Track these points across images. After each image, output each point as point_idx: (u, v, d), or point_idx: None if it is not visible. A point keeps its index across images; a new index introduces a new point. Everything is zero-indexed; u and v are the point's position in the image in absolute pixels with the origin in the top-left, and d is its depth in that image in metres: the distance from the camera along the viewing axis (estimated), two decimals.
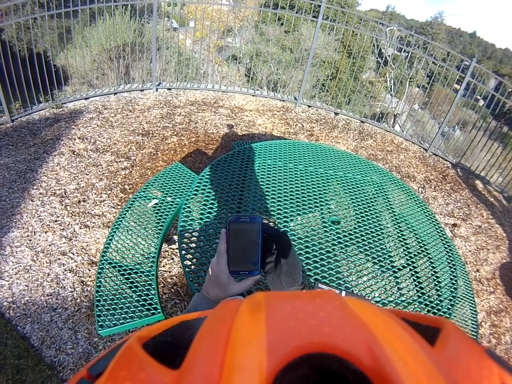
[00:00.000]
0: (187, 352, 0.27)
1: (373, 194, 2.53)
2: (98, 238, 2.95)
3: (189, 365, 0.26)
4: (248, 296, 0.34)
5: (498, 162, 5.85)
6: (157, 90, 5.40)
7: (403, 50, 6.43)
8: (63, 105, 4.69)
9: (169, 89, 5.53)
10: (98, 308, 1.90)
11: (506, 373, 0.27)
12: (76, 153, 3.80)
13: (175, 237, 3.03)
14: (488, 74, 5.77)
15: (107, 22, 6.69)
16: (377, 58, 11.09)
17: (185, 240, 1.71)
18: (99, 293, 1.97)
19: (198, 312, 0.38)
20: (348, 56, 10.04)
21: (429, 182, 5.22)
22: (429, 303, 1.86)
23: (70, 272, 2.71)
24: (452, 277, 2.12)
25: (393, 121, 11.83)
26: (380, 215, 2.36)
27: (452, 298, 1.96)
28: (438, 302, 1.89)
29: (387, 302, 1.77)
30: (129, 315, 1.87)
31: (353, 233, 2.08)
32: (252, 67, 6.53)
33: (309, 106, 6.13)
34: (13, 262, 2.74)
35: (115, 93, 5.11)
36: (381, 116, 7.93)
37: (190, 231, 1.77)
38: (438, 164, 5.79)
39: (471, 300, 2.72)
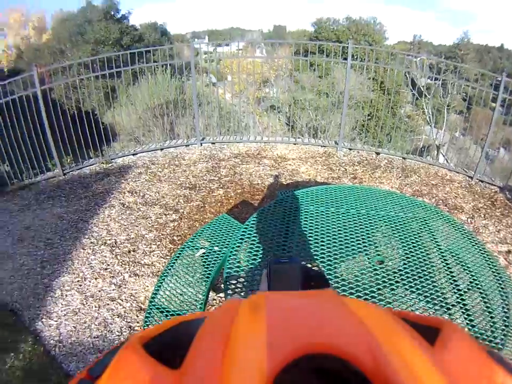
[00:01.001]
0: (187, 352, 0.28)
1: (418, 230, 2.48)
2: (147, 286, 3.04)
3: (189, 365, 0.26)
4: (249, 297, 0.34)
5: None
6: (201, 145, 5.57)
7: (435, 78, 6.40)
8: (112, 160, 4.97)
9: (213, 143, 5.69)
10: None
11: (507, 373, 0.27)
12: (125, 205, 3.99)
13: (223, 286, 3.08)
14: None
15: (149, 81, 7.10)
16: (411, 90, 11.05)
17: (231, 286, 1.76)
18: None
19: (199, 312, 0.39)
20: (383, 93, 10.13)
21: (477, 210, 5.02)
22: (479, 335, 1.80)
23: (118, 317, 2.79)
24: (504, 305, 2.02)
25: (436, 153, 11.59)
26: (426, 250, 2.30)
27: (504, 328, 1.88)
28: (490, 334, 1.82)
29: None
30: None
31: (398, 271, 2.05)
32: (290, 115, 6.66)
33: (350, 149, 6.09)
34: (62, 304, 2.87)
35: (161, 149, 5.34)
36: (423, 149, 7.85)
37: (236, 278, 1.81)
38: (485, 190, 5.56)
39: None
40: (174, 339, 0.33)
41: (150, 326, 2.10)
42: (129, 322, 2.77)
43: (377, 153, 6.07)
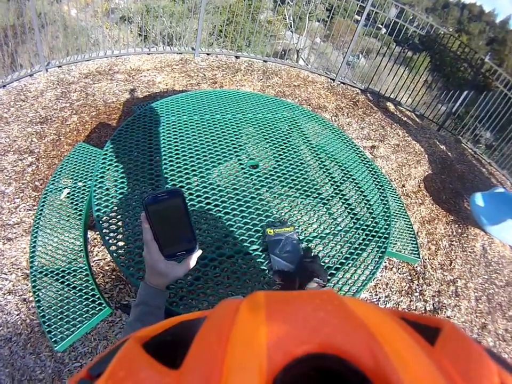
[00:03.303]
0: (187, 352, 0.27)
1: (287, 130, 2.54)
2: (25, 248, 2.77)
3: (189, 365, 0.26)
4: (248, 296, 0.34)
5: (406, 85, 6.24)
6: (47, 71, 4.99)
7: None
8: None
9: (60, 66, 5.13)
10: (46, 324, 1.79)
11: (506, 373, 0.27)
12: None
13: None
14: (388, 3, 5.92)
15: None
16: None
17: (105, 224, 1.62)
18: (40, 308, 1.86)
19: (199, 312, 0.38)
20: None
21: (340, 109, 5.40)
22: (365, 227, 1.93)
23: (9, 295, 2.53)
24: (382, 197, 2.20)
25: (296, 56, 12.01)
26: (298, 149, 2.37)
27: (386, 218, 2.04)
28: (374, 225, 1.96)
29: (324, 235, 1.81)
30: (77, 320, 1.79)
31: (274, 172, 2.09)
32: (143, 25, 6.20)
33: (208, 54, 5.99)
34: None
35: (4, 86, 4.65)
36: (283, 53, 7.95)
37: (107, 213, 1.67)
38: (347, 92, 6.00)
39: (404, 214, 2.90)
40: (174, 339, 0.34)
41: (39, 294, 1.92)
42: (22, 295, 2.53)
43: (237, 57, 6.11)
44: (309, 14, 11.64)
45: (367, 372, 0.23)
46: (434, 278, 3.36)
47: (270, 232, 1.63)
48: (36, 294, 1.92)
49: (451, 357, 0.26)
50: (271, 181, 2.02)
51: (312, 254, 1.60)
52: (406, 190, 4.29)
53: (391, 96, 6.24)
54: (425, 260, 3.53)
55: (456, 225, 4.09)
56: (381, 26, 6.58)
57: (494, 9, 77.83)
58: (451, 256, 3.66)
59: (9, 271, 2.65)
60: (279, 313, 0.29)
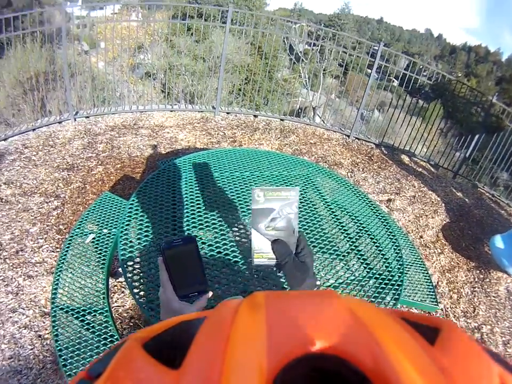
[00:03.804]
0: (187, 352, 0.27)
1: (302, 187, 2.62)
2: (45, 287, 2.90)
3: (188, 365, 0.26)
4: (248, 296, 0.34)
5: (420, 134, 6.28)
6: (75, 120, 5.29)
7: (313, 44, 6.71)
8: None
9: (88, 117, 5.43)
10: (62, 358, 1.88)
11: (506, 373, 0.27)
12: (3, 200, 3.69)
13: (120, 270, 3.02)
14: (397, 55, 6.18)
15: (18, 53, 6.47)
16: (289, 55, 11.36)
17: (129, 269, 1.74)
18: (58, 342, 1.96)
19: (198, 312, 0.38)
20: (261, 57, 10.30)
21: (356, 165, 5.47)
22: (378, 275, 1.99)
23: (25, 329, 2.63)
24: (395, 247, 2.26)
25: (313, 114, 12.16)
26: (314, 205, 2.45)
27: (399, 267, 2.10)
28: (387, 274, 2.03)
29: (337, 285, 1.88)
30: (94, 358, 1.84)
31: None
32: (166, 82, 6.54)
33: (227, 113, 6.22)
34: None
35: (34, 129, 4.96)
36: (300, 111, 8.17)
37: (132, 259, 1.78)
38: (362, 147, 6.09)
39: (421, 265, 2.93)
40: (173, 339, 0.33)
41: (58, 329, 2.04)
42: (37, 331, 2.62)
43: (255, 116, 6.29)
44: (324, 70, 12.06)
45: (367, 372, 0.24)
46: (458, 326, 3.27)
47: (257, 195, 0.94)
48: (55, 328, 2.02)
49: (451, 357, 0.26)
50: None
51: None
52: (424, 240, 4.25)
53: (405, 148, 6.29)
54: (447, 309, 3.46)
55: (478, 271, 4.02)
56: (393, 78, 6.78)
57: (499, 48, 79.92)
58: (474, 303, 3.58)
59: (27, 307, 2.76)
60: (279, 313, 0.29)
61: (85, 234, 2.63)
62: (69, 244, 2.58)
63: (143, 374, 0.27)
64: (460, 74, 47.18)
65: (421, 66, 6.10)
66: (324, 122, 7.42)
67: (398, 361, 0.23)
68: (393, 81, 7.37)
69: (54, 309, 2.14)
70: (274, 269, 0.97)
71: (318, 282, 1.64)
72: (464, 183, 5.98)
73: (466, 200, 5.40)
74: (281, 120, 6.36)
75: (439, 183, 5.62)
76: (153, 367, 0.27)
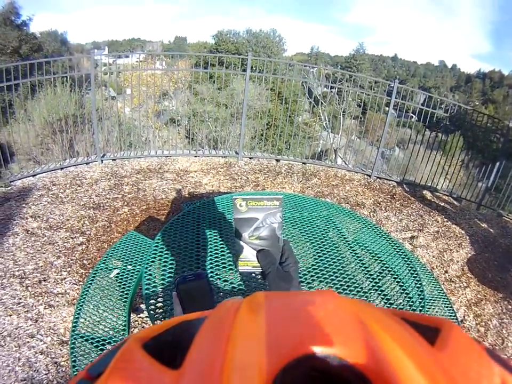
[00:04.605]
0: (187, 352, 0.28)
1: (324, 228, 2.62)
2: (65, 317, 2.95)
3: (189, 365, 0.26)
4: (249, 297, 0.34)
5: (441, 168, 6.28)
6: (102, 162, 5.48)
7: (331, 87, 6.88)
8: (11, 183, 4.70)
9: (114, 159, 5.62)
10: None
11: (507, 373, 0.27)
12: (29, 232, 3.81)
13: (142, 306, 3.08)
14: (413, 91, 6.34)
15: (48, 95, 6.79)
16: (308, 99, 11.61)
17: (152, 306, 1.75)
18: (75, 368, 1.98)
19: (199, 312, 0.38)
20: (281, 102, 10.54)
21: (378, 204, 5.47)
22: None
23: (41, 355, 2.67)
24: (416, 283, 2.24)
25: (334, 156, 12.31)
26: (335, 245, 2.45)
27: (420, 301, 2.09)
28: (408, 308, 2.01)
29: None
30: None
31: (312, 269, 2.15)
32: (190, 128, 6.75)
33: (250, 158, 6.34)
34: None
35: (61, 168, 5.16)
36: (321, 153, 8.27)
37: (155, 294, 1.81)
38: (384, 186, 6.10)
39: (445, 300, 2.90)
40: (174, 339, 0.34)
41: (77, 356, 2.07)
42: (53, 358, 2.66)
43: (277, 160, 6.39)
44: (343, 112, 12.23)
45: (367, 372, 0.23)
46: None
47: (239, 204, 0.94)
48: (73, 354, 2.05)
49: (451, 356, 0.27)
50: (309, 277, 2.08)
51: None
52: (449, 275, 4.17)
53: (427, 184, 6.24)
54: None
55: (506, 302, 3.89)
56: (411, 114, 6.82)
57: None
58: (503, 335, 3.48)
59: (45, 334, 2.82)
60: (279, 314, 0.30)
61: (109, 269, 2.69)
62: (93, 277, 2.63)
63: (143, 374, 0.27)
64: (477, 103, 46.53)
65: (437, 100, 6.12)
66: (345, 163, 7.48)
67: (398, 361, 0.24)
68: (411, 117, 7.43)
69: (74, 336, 2.18)
70: (259, 277, 0.98)
71: None
72: (488, 214, 5.90)
73: (491, 230, 5.30)
74: (303, 163, 6.45)
75: (463, 215, 5.57)
76: (153, 367, 0.28)
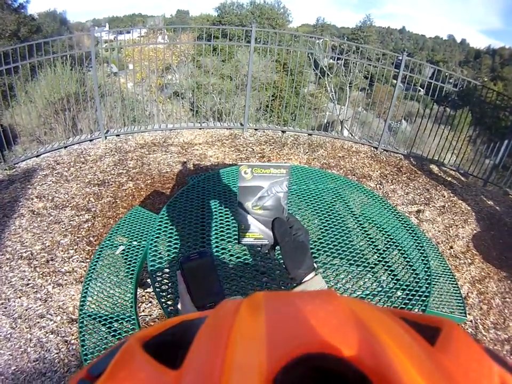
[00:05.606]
0: (187, 352, 0.28)
1: (331, 200, 2.60)
2: (73, 295, 2.96)
3: (189, 365, 0.26)
4: (248, 296, 0.34)
5: (448, 143, 6.20)
6: (105, 138, 5.43)
7: (338, 58, 6.73)
8: (16, 165, 4.67)
9: (118, 135, 5.56)
10: (87, 362, 1.89)
11: (507, 373, 0.27)
12: (35, 212, 3.80)
13: (149, 280, 3.03)
14: (421, 64, 6.19)
15: (48, 75, 6.71)
16: (314, 70, 11.47)
17: (158, 279, 1.75)
18: (84, 347, 1.98)
19: (199, 312, 0.38)
20: (286, 74, 10.35)
21: (385, 177, 5.42)
22: (405, 287, 1.95)
23: (52, 334, 2.68)
24: (423, 258, 2.22)
25: (340, 127, 12.22)
26: (342, 218, 2.43)
27: (427, 278, 2.06)
28: (415, 285, 1.98)
29: (364, 296, 1.86)
30: None
31: (319, 243, 2.14)
32: (194, 101, 6.66)
33: (255, 129, 6.27)
34: None
35: (65, 147, 5.12)
36: (328, 125, 8.17)
37: (161, 270, 1.80)
38: (391, 158, 6.04)
39: (450, 276, 2.87)
40: (174, 338, 0.34)
41: (85, 335, 2.07)
42: (64, 336, 2.68)
43: (283, 132, 6.31)
44: (349, 84, 12.09)
45: (367, 372, 0.23)
46: (487, 338, 3.19)
47: (244, 171, 0.89)
48: (82, 334, 2.05)
49: (451, 356, 0.26)
50: (315, 250, 2.07)
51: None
52: (454, 251, 4.15)
53: (434, 158, 6.21)
54: (477, 320, 3.34)
55: (509, 281, 3.87)
56: (419, 88, 6.68)
57: None
58: (504, 314, 3.45)
59: (55, 313, 2.83)
60: (279, 314, 0.29)
61: (115, 246, 2.67)
62: (99, 254, 2.62)
63: (143, 374, 0.27)
64: (486, 79, 46.16)
65: (446, 74, 5.97)
66: (352, 135, 7.37)
67: (399, 361, 0.23)
68: (419, 90, 7.28)
69: (82, 315, 2.18)
70: (262, 250, 0.95)
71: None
72: (494, 191, 5.82)
73: (497, 208, 5.27)
74: (309, 134, 6.38)
75: (469, 191, 5.53)
76: (153, 367, 0.27)
